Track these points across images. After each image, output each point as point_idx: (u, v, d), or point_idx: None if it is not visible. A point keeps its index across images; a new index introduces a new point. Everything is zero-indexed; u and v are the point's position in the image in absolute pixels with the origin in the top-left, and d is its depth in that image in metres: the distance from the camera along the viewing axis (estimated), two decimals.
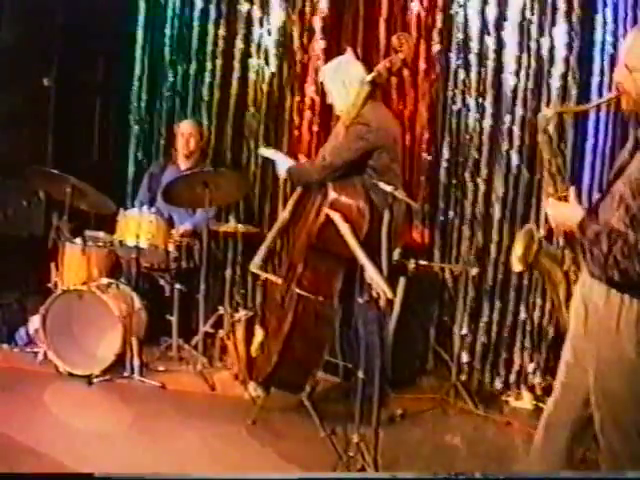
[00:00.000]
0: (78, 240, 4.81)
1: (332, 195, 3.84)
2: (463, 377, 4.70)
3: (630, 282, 2.37)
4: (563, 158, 2.75)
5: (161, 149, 5.90)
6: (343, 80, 4.13)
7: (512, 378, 4.67)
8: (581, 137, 4.41)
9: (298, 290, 3.85)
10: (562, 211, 2.58)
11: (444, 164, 4.91)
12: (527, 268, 2.83)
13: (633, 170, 2.40)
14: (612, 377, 2.46)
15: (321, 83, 4.39)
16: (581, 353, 2.57)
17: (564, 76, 4.44)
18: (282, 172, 4.32)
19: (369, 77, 4.02)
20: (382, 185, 3.32)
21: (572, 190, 2.61)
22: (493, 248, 4.73)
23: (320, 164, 4.05)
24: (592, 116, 4.29)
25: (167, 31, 5.85)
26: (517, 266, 2.80)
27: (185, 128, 5.44)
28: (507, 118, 4.66)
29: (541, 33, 4.54)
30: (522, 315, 4.66)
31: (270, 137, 5.52)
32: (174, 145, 5.54)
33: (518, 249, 2.79)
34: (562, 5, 4.45)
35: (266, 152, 4.64)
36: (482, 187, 4.77)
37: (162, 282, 5.06)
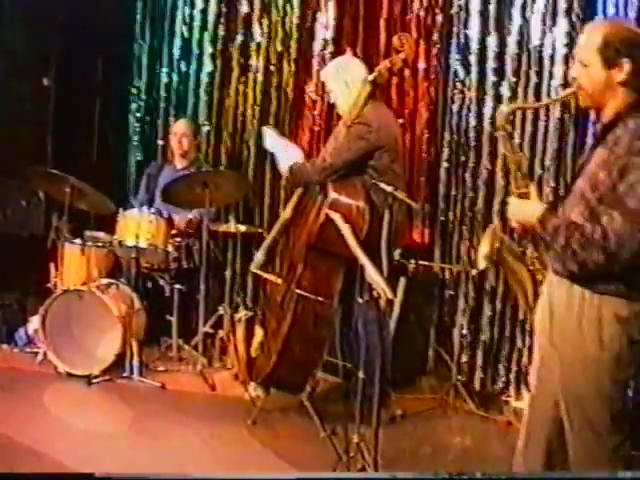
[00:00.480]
0: (78, 240, 4.80)
1: (332, 195, 3.84)
2: (463, 377, 4.69)
3: (589, 274, 2.38)
4: (521, 154, 2.75)
5: (160, 149, 5.90)
6: (345, 80, 4.13)
7: (512, 378, 4.67)
8: (580, 139, 4.43)
9: (298, 290, 3.85)
10: (522, 208, 2.60)
11: (444, 164, 4.91)
12: (491, 265, 2.84)
13: (592, 165, 2.43)
14: (577, 375, 2.46)
15: (322, 83, 4.38)
16: (547, 353, 2.57)
17: (564, 76, 4.44)
18: (284, 169, 4.28)
19: (370, 77, 4.02)
20: (382, 185, 3.32)
21: (533, 186, 2.63)
22: None
23: (320, 165, 4.05)
24: (592, 117, 4.29)
25: (167, 31, 5.85)
26: (482, 263, 2.82)
27: (178, 128, 5.43)
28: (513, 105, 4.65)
29: (541, 33, 4.54)
30: (522, 315, 4.65)
31: None
32: (169, 145, 5.54)
33: (484, 247, 2.81)
34: (562, 5, 4.45)
35: (273, 139, 4.41)
36: (482, 187, 4.76)
37: (162, 282, 5.06)
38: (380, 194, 3.97)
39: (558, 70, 4.47)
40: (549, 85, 4.53)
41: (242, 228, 5.11)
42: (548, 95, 4.50)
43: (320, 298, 3.85)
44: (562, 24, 4.46)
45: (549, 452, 2.61)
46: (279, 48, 5.46)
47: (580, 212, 2.41)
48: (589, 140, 4.28)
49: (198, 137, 5.53)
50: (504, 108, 2.71)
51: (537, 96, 4.54)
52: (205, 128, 5.75)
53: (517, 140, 4.49)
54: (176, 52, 5.84)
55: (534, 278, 2.77)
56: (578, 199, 2.44)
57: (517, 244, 2.91)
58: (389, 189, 3.48)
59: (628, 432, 2.50)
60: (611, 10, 4.29)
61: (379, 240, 3.91)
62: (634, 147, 2.34)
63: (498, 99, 4.70)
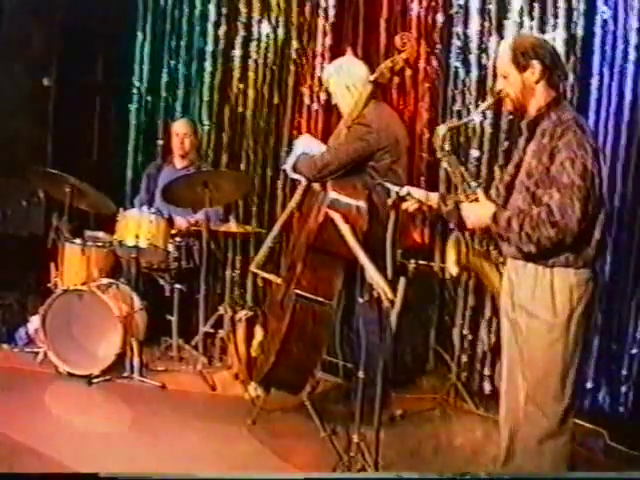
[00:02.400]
0: (78, 240, 4.81)
1: (331, 195, 3.83)
2: (463, 377, 4.69)
3: (545, 249, 2.69)
4: (464, 166, 3.05)
5: (160, 149, 5.90)
6: (347, 83, 4.13)
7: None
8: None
9: (297, 290, 3.84)
10: (475, 211, 2.88)
11: (444, 164, 4.90)
12: (461, 270, 3.11)
13: (527, 157, 2.82)
14: (533, 340, 2.75)
15: (320, 84, 4.37)
16: (509, 332, 2.86)
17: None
18: (291, 158, 4.25)
19: (372, 77, 4.02)
20: (389, 185, 3.31)
21: (480, 191, 2.89)
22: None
23: (318, 163, 4.04)
24: (592, 117, 4.29)
25: (167, 31, 5.85)
26: (453, 269, 3.11)
27: (179, 128, 5.43)
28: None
29: (541, 33, 4.54)
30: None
31: (271, 137, 5.52)
32: (169, 145, 5.53)
33: (451, 255, 3.11)
34: (562, 5, 4.45)
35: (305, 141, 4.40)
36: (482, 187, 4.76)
37: (162, 282, 5.05)
38: (381, 194, 3.98)
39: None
40: None
41: (242, 228, 5.10)
42: None
43: (319, 298, 3.85)
44: (562, 24, 4.45)
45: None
46: (279, 48, 5.46)
47: (523, 198, 2.79)
48: None
49: (198, 137, 5.53)
50: (440, 130, 2.98)
51: None
52: (205, 128, 5.75)
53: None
54: (176, 52, 5.83)
55: (499, 270, 3.06)
56: (519, 189, 2.83)
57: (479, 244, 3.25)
58: (396, 189, 3.48)
59: (573, 400, 2.77)
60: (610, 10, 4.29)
61: (379, 240, 3.92)
62: (556, 133, 2.72)
63: (498, 99, 4.68)
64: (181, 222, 5.10)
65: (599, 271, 2.86)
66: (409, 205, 3.16)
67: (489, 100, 3.06)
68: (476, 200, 2.88)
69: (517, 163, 2.91)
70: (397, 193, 3.18)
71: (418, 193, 3.20)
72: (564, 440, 2.76)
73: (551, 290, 2.72)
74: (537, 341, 2.75)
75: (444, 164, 2.98)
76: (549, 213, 2.65)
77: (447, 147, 2.96)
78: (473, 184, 2.92)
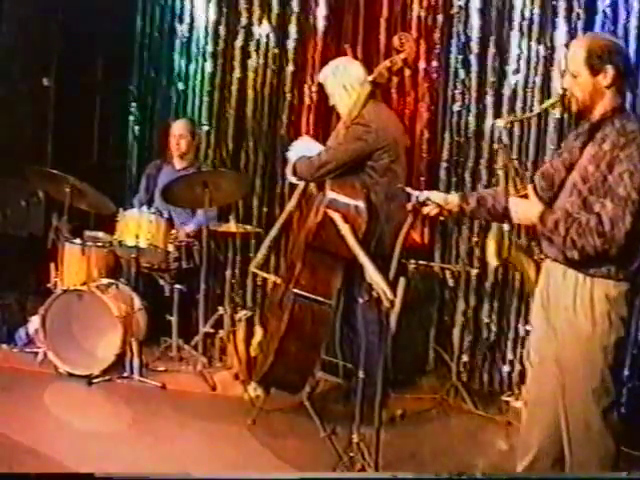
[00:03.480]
0: (78, 240, 4.80)
1: (330, 195, 3.84)
2: (463, 377, 4.69)
3: (588, 259, 2.67)
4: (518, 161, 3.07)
5: (160, 149, 5.89)
6: (344, 83, 4.13)
7: (512, 378, 4.67)
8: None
9: (295, 289, 3.85)
10: (523, 208, 2.84)
11: (444, 164, 4.91)
12: (502, 262, 3.13)
13: (583, 160, 2.76)
14: (571, 348, 2.75)
15: (321, 85, 4.37)
16: (544, 332, 2.87)
17: (564, 76, 4.44)
18: (290, 161, 4.25)
19: (370, 77, 4.02)
20: (408, 190, 3.30)
21: (530, 187, 2.87)
22: None
23: (317, 164, 4.04)
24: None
25: (167, 31, 5.85)
26: (493, 261, 3.12)
27: (176, 129, 5.43)
28: (507, 118, 4.65)
29: (541, 33, 4.54)
30: (522, 315, 4.65)
31: (270, 138, 5.52)
32: (169, 145, 5.53)
33: (491, 247, 3.12)
34: (562, 5, 4.45)
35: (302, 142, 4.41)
36: (482, 187, 4.76)
37: (162, 282, 5.05)
38: (379, 194, 3.98)
39: (558, 70, 4.47)
40: (549, 85, 4.53)
41: (242, 228, 5.10)
42: (548, 95, 4.50)
43: (318, 297, 3.85)
44: (562, 24, 4.45)
45: (550, 423, 2.86)
46: (279, 48, 5.46)
47: (573, 202, 2.74)
48: None
49: (197, 138, 5.52)
50: (499, 122, 2.97)
51: (537, 96, 4.54)
52: (205, 128, 5.75)
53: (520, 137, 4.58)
54: (176, 52, 5.83)
55: (539, 267, 3.05)
56: (570, 191, 2.77)
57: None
58: (415, 193, 3.47)
59: (615, 397, 2.79)
60: (610, 11, 4.29)
61: (378, 240, 3.92)
62: (619, 142, 2.66)
63: (498, 99, 4.70)
64: (178, 230, 5.09)
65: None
66: (430, 210, 3.13)
67: (554, 98, 3.00)
68: (525, 196, 2.85)
69: (570, 163, 2.85)
70: (417, 198, 3.17)
71: (438, 197, 3.17)
72: (609, 438, 2.79)
73: (590, 300, 2.71)
74: (576, 349, 2.75)
75: (498, 157, 2.96)
76: (598, 222, 2.62)
77: (505, 139, 2.94)
78: (525, 178, 2.90)
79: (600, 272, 2.70)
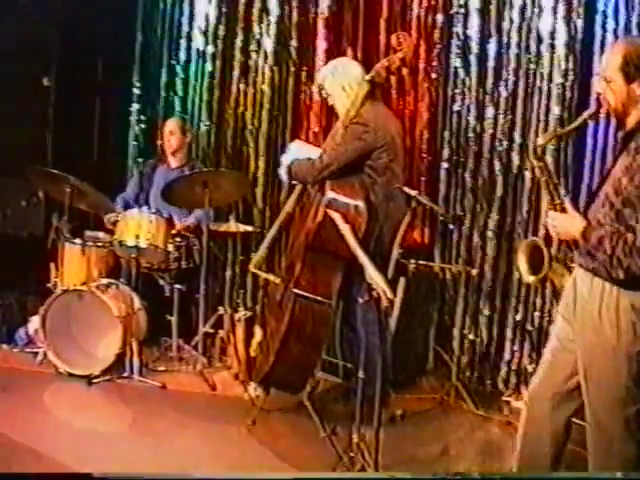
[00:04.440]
0: (78, 240, 4.81)
1: (330, 195, 3.84)
2: (463, 377, 4.69)
3: (633, 278, 2.62)
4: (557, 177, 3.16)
5: (155, 149, 5.89)
6: (342, 83, 4.13)
7: (512, 378, 4.67)
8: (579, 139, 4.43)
9: (296, 290, 3.85)
10: (563, 223, 2.82)
11: (444, 164, 4.91)
12: (540, 279, 3.02)
13: (616, 171, 2.71)
14: (596, 356, 2.74)
15: (319, 85, 4.38)
16: (566, 336, 2.87)
17: (564, 76, 4.45)
18: (284, 164, 4.26)
19: (368, 76, 4.02)
20: (407, 190, 3.31)
21: (567, 200, 2.85)
22: (493, 247, 4.73)
23: (317, 165, 4.04)
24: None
25: (167, 31, 5.85)
26: (528, 278, 3.05)
27: (167, 126, 5.43)
28: (507, 118, 4.66)
29: (541, 33, 4.54)
30: (522, 315, 4.65)
31: (270, 138, 5.52)
32: (162, 144, 5.53)
33: (522, 261, 3.05)
34: (562, 5, 4.45)
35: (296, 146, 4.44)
36: (482, 187, 4.76)
37: (162, 282, 5.05)
38: (378, 194, 3.98)
39: (558, 70, 4.47)
40: (549, 86, 4.52)
41: (242, 228, 5.10)
42: (548, 95, 4.50)
43: (318, 297, 3.85)
44: (562, 24, 4.45)
45: (551, 419, 2.90)
46: (279, 48, 5.46)
47: (605, 213, 2.69)
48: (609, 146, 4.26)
49: (189, 135, 5.50)
50: (540, 140, 2.95)
51: (537, 96, 4.54)
52: (205, 128, 5.74)
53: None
54: (176, 52, 5.83)
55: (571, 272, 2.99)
56: (603, 202, 2.72)
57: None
58: (413, 193, 3.48)
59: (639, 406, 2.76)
60: (610, 10, 4.29)
61: (377, 240, 3.92)
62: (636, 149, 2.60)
63: (498, 99, 4.70)
64: (178, 224, 5.10)
65: None
66: None
67: (590, 109, 2.98)
68: (563, 210, 2.83)
69: (604, 177, 2.80)
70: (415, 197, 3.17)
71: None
72: (631, 444, 2.76)
73: (616, 310, 2.68)
74: (601, 358, 2.73)
75: (538, 174, 2.94)
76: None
77: (548, 159, 2.97)
78: (562, 192, 2.89)
79: (627, 282, 2.66)
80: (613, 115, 2.79)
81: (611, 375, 2.73)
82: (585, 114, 3.10)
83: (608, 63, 2.75)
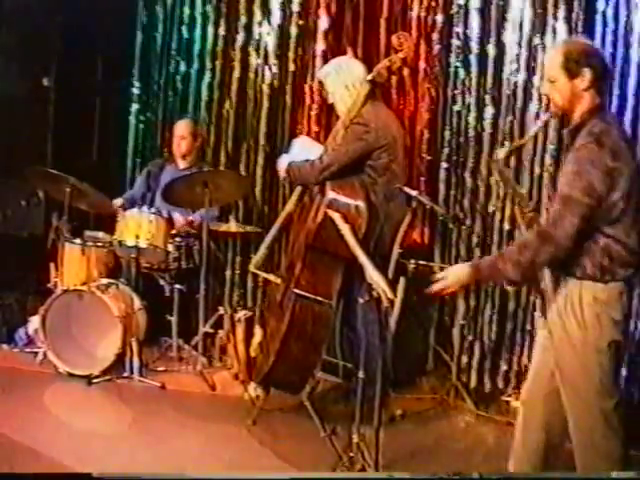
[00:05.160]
0: (78, 240, 4.80)
1: (330, 195, 3.84)
2: (463, 377, 4.69)
3: (558, 262, 2.70)
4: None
5: (160, 149, 5.89)
6: (346, 82, 4.13)
7: (512, 378, 4.67)
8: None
9: (296, 290, 3.85)
10: (452, 273, 2.90)
11: (444, 164, 4.91)
12: None
13: (565, 165, 2.76)
14: (565, 353, 2.76)
15: (320, 83, 4.38)
16: (544, 334, 2.89)
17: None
18: (282, 166, 4.27)
19: (369, 77, 4.02)
20: (407, 190, 3.31)
21: (517, 211, 2.99)
22: (494, 248, 4.73)
23: (318, 166, 4.04)
24: None
25: (167, 31, 5.85)
26: None
27: (178, 130, 5.42)
28: (507, 118, 4.66)
29: (541, 33, 4.54)
30: (522, 315, 4.65)
31: (270, 137, 5.52)
32: (171, 145, 5.53)
33: None
34: (562, 5, 4.45)
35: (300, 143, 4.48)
36: (482, 187, 4.76)
37: (162, 282, 5.05)
38: (379, 194, 3.98)
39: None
40: None
41: (242, 228, 5.10)
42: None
43: (318, 297, 3.85)
44: (562, 24, 4.45)
45: (549, 424, 2.88)
46: (279, 48, 5.46)
47: (557, 201, 2.71)
48: None
49: (199, 139, 5.50)
50: (500, 153, 3.00)
51: (537, 96, 4.54)
52: (205, 128, 5.74)
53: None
54: (176, 52, 5.83)
55: None
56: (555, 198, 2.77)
57: None
58: (414, 193, 3.48)
59: (619, 398, 2.78)
60: (610, 10, 4.29)
61: (377, 240, 3.92)
62: (577, 143, 2.70)
63: (498, 99, 4.70)
64: (178, 218, 5.10)
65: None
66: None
67: (543, 117, 3.10)
68: (530, 220, 2.90)
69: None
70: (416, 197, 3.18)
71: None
72: (614, 440, 2.76)
73: (580, 304, 2.71)
74: (571, 354, 2.74)
75: (502, 185, 3.02)
76: (546, 224, 2.66)
77: (508, 172, 3.04)
78: (528, 203, 2.97)
79: (586, 275, 2.70)
80: (562, 113, 2.87)
81: (582, 370, 2.73)
82: (539, 122, 3.27)
83: (550, 64, 2.83)
